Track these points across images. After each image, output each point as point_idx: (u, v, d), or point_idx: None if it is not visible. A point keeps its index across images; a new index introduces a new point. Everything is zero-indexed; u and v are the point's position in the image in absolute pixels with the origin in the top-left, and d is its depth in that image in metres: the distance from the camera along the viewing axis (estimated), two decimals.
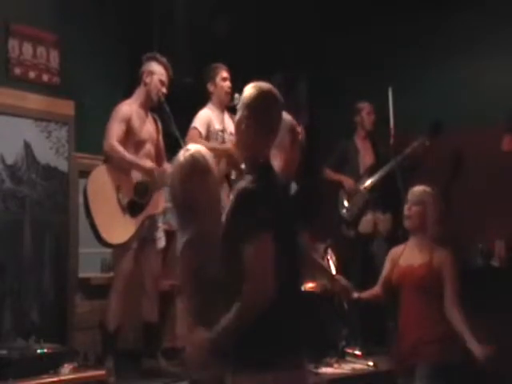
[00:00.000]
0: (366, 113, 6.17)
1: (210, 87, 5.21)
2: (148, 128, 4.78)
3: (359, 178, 6.05)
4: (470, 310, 5.74)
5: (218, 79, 5.18)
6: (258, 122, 2.61)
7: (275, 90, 2.69)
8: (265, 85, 2.68)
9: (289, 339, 2.45)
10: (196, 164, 2.82)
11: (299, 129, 4.11)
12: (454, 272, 3.91)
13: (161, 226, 4.91)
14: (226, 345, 2.41)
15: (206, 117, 5.09)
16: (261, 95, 2.64)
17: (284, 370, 2.39)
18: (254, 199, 2.47)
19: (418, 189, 4.04)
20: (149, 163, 4.66)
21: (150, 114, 4.82)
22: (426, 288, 3.84)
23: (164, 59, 4.81)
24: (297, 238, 2.57)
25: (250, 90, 2.66)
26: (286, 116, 3.64)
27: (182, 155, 2.86)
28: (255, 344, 2.41)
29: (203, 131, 5.03)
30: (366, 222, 5.92)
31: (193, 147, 2.96)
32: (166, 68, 4.79)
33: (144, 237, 4.71)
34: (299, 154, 3.64)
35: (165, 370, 4.65)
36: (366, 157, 6.14)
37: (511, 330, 5.51)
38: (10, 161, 4.85)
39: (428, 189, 4.01)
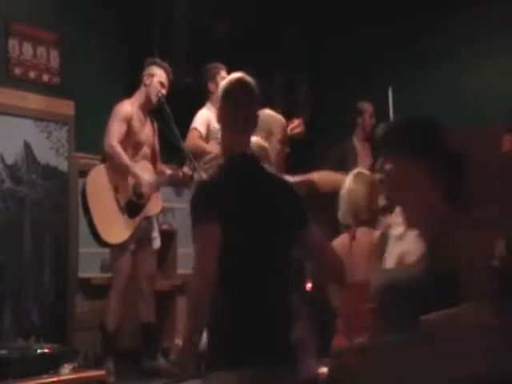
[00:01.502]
0: (368, 115, 6.16)
1: (211, 86, 5.21)
2: (146, 130, 4.81)
3: None
4: None
5: (218, 78, 5.18)
6: (226, 112, 2.62)
7: (244, 79, 2.67)
8: (234, 75, 2.69)
9: (260, 338, 2.38)
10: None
11: (289, 129, 4.12)
12: None
13: (156, 226, 4.92)
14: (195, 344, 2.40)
15: (206, 117, 5.10)
16: (226, 85, 2.67)
17: (253, 368, 2.34)
18: (203, 193, 2.50)
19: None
20: (146, 176, 4.66)
21: (148, 116, 4.85)
22: None
23: (165, 63, 4.84)
24: (280, 233, 2.49)
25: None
26: (277, 114, 3.64)
27: None
28: (222, 343, 2.39)
29: (203, 131, 5.04)
30: None
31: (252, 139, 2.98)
32: (166, 71, 4.83)
33: (141, 237, 4.72)
34: (285, 154, 3.64)
35: (164, 370, 4.65)
36: (364, 158, 6.14)
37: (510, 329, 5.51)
38: (10, 161, 4.84)
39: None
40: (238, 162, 2.57)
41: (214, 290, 2.36)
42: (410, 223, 2.26)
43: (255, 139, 3.13)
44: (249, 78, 2.69)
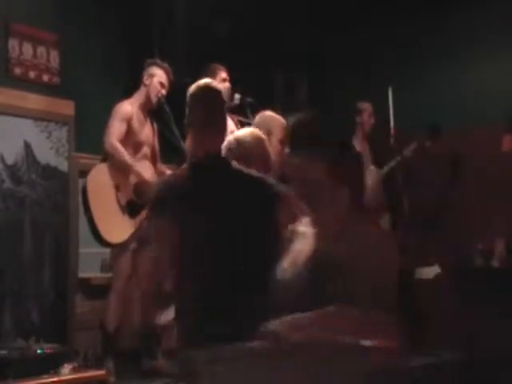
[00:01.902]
0: (367, 114, 6.17)
1: None
2: (146, 130, 4.81)
3: None
4: (470, 310, 5.75)
5: (217, 80, 5.18)
6: (194, 116, 2.69)
7: (211, 85, 2.74)
8: (202, 81, 2.76)
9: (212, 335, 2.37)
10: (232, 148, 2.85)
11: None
12: None
13: None
14: None
15: None
16: (194, 91, 2.73)
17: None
18: (158, 190, 2.64)
19: None
20: (147, 174, 4.65)
21: (147, 117, 4.85)
22: None
23: (165, 64, 4.84)
24: (243, 227, 2.51)
25: None
26: (277, 115, 3.64)
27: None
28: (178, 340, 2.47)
29: None
30: None
31: (241, 131, 2.96)
32: (166, 71, 4.83)
33: (142, 237, 4.71)
34: (285, 154, 3.63)
35: (165, 370, 4.65)
36: (364, 157, 6.14)
37: (511, 329, 5.51)
38: (10, 161, 4.84)
39: None
40: (200, 163, 2.62)
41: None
42: (312, 221, 2.19)
43: (251, 130, 3.12)
44: (216, 84, 2.74)
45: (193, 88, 2.73)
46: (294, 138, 2.32)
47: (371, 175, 3.65)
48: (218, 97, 2.70)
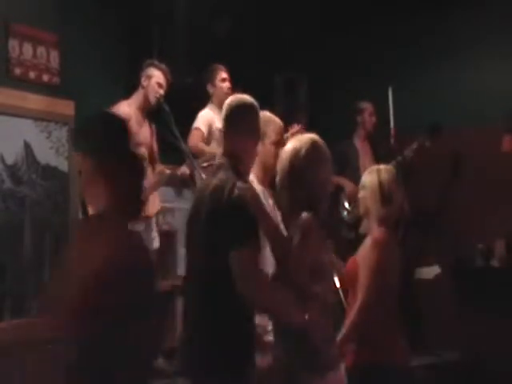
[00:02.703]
0: (368, 114, 6.16)
1: (210, 88, 5.21)
2: (144, 131, 4.82)
3: (360, 180, 6.03)
4: (470, 310, 5.76)
5: (216, 80, 5.18)
6: (250, 123, 3.15)
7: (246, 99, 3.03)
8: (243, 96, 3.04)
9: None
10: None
11: (289, 134, 4.13)
12: (370, 265, 3.33)
13: (154, 226, 4.92)
14: None
15: (208, 117, 5.10)
16: (245, 101, 3.13)
17: None
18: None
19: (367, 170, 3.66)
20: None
21: (146, 118, 4.85)
22: (351, 283, 3.45)
23: (163, 65, 4.85)
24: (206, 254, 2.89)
25: None
26: (273, 117, 3.63)
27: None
28: None
29: (205, 131, 5.04)
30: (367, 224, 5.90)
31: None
32: (163, 72, 4.83)
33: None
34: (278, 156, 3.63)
35: (165, 370, 4.65)
36: (365, 158, 6.13)
37: (511, 329, 5.51)
38: (10, 161, 4.84)
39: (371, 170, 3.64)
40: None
41: None
42: None
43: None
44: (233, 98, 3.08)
45: (236, 100, 3.02)
46: (76, 136, 2.47)
47: (386, 174, 3.62)
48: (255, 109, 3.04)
